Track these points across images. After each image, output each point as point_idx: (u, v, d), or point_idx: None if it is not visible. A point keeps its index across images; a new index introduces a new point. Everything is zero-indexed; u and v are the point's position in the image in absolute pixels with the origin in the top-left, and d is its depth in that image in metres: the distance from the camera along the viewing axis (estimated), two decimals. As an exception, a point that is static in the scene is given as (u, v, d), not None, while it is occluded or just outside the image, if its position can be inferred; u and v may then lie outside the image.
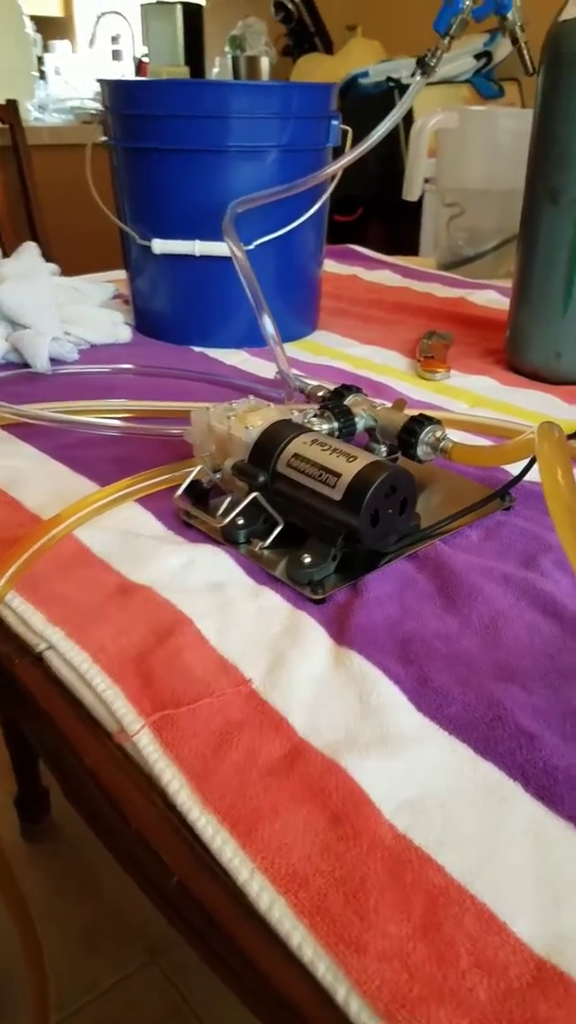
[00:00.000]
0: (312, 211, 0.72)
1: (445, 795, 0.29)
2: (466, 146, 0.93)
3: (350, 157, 0.65)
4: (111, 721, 0.32)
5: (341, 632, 0.37)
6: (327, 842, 0.27)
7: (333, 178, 0.70)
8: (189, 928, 0.29)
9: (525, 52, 0.65)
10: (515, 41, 0.65)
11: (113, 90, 0.70)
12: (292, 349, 0.75)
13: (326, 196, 0.73)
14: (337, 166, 0.66)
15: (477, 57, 1.78)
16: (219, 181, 0.68)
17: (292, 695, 0.33)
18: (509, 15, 0.63)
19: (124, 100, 0.69)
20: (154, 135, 0.67)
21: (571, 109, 0.59)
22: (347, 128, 0.73)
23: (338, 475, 0.40)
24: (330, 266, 1.04)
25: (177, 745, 0.31)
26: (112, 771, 0.31)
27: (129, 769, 0.31)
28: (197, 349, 0.74)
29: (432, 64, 0.64)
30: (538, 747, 0.30)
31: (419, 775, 0.29)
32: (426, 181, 1.14)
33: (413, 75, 0.64)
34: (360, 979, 0.23)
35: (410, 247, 1.56)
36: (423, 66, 0.64)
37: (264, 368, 0.69)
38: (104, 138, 0.72)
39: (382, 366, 0.70)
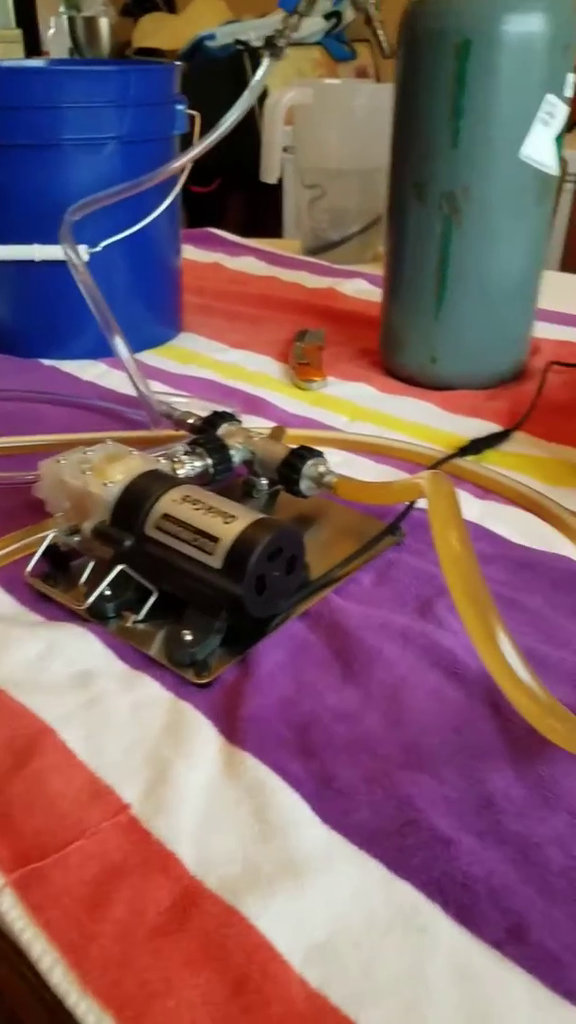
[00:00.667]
0: (165, 205, 0.66)
1: (359, 931, 0.26)
2: (323, 123, 0.89)
3: (199, 149, 0.59)
4: (-36, 887, 0.27)
5: (232, 727, 0.33)
6: (231, 1018, 0.23)
7: (184, 169, 0.64)
8: None
9: (380, 34, 0.61)
10: (369, 21, 0.60)
11: None
12: (156, 357, 0.70)
13: (178, 188, 0.67)
14: (185, 159, 0.60)
15: (327, 17, 1.72)
16: (55, 178, 0.60)
17: (179, 820, 0.29)
18: (361, -8, 0.59)
19: None
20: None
21: (433, 96, 0.55)
22: (194, 113, 0.67)
23: (216, 539, 0.36)
24: (190, 252, 0.98)
25: (47, 908, 0.26)
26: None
27: (-10, 947, 0.26)
28: (47, 363, 0.67)
29: (281, 45, 0.59)
30: (455, 855, 0.28)
31: (329, 909, 0.26)
32: (285, 150, 1.09)
33: (262, 55, 0.59)
34: None
35: (273, 221, 1.51)
36: (272, 48, 0.59)
37: (125, 383, 0.63)
38: None
39: (255, 374, 0.66)
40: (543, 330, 0.73)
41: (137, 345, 0.70)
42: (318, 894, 0.27)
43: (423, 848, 0.28)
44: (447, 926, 0.26)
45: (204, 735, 0.32)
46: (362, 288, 0.85)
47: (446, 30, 0.53)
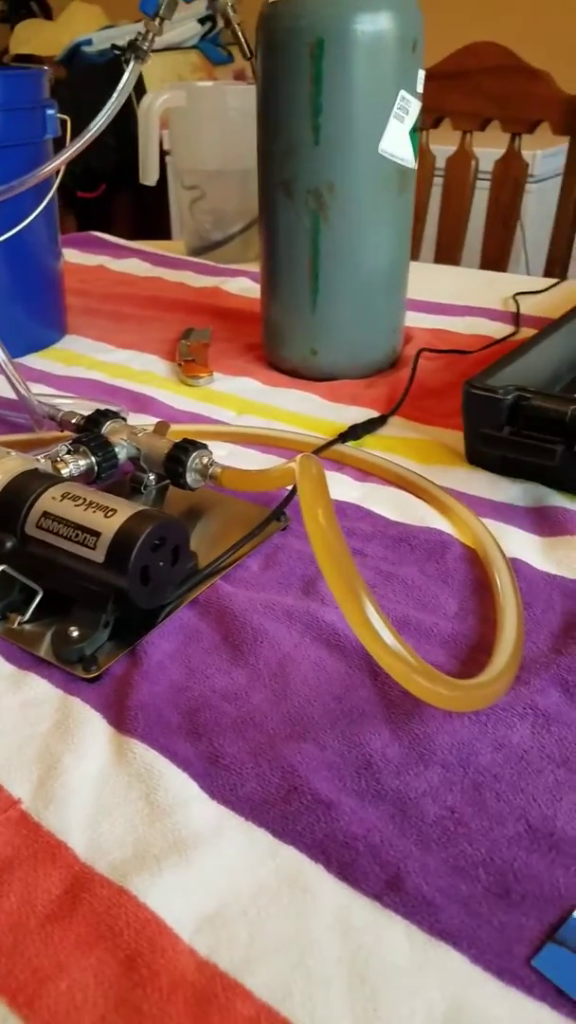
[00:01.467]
0: (41, 208, 0.65)
1: (247, 900, 0.27)
2: (198, 125, 0.90)
3: (70, 152, 0.59)
4: None
5: (120, 716, 0.33)
6: (122, 993, 0.24)
7: (58, 172, 0.64)
8: None
9: (240, 35, 0.62)
10: (228, 23, 0.62)
11: None
12: (40, 360, 0.69)
13: (53, 192, 0.67)
14: (59, 161, 0.60)
15: (202, 22, 1.73)
16: None
17: (69, 811, 0.29)
18: (219, -4, 0.60)
19: None
20: None
21: (290, 97, 0.57)
22: (65, 117, 0.67)
23: (97, 534, 0.36)
24: (74, 256, 0.97)
25: None
26: None
27: None
28: None
29: (145, 48, 0.60)
30: (336, 816, 0.29)
31: (218, 881, 0.27)
32: (165, 152, 1.09)
33: (126, 61, 0.59)
34: None
35: (161, 222, 1.51)
36: (136, 51, 0.59)
37: (7, 387, 0.63)
38: None
39: (142, 373, 0.66)
40: (416, 319, 0.76)
41: (20, 349, 0.70)
42: (207, 867, 0.28)
43: (306, 812, 0.29)
44: (330, 884, 0.27)
45: (93, 727, 0.33)
46: (246, 286, 0.86)
47: (300, 30, 0.55)
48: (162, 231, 1.15)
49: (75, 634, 0.36)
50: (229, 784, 0.30)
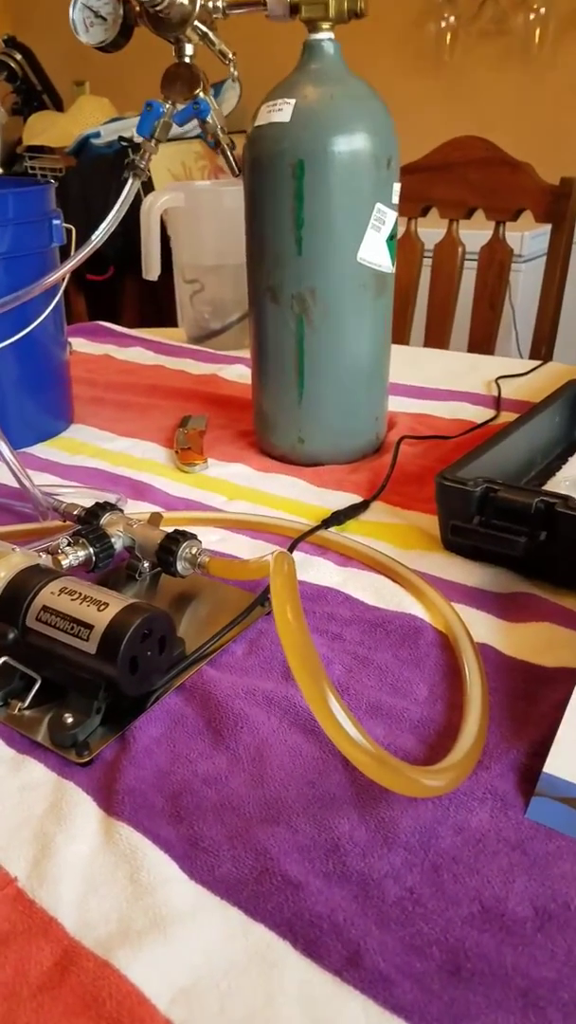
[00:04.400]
0: (47, 312, 0.70)
1: (219, 974, 0.29)
2: (196, 223, 0.96)
3: (74, 262, 0.64)
4: None
5: (110, 800, 0.36)
6: (104, 1063, 0.27)
7: (64, 278, 0.70)
8: None
9: (229, 155, 0.68)
10: (218, 143, 0.68)
11: None
12: (47, 449, 0.74)
13: (59, 296, 0.73)
14: (64, 270, 0.65)
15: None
16: None
17: (61, 888, 0.32)
18: (209, 119, 0.66)
19: None
20: None
21: (276, 210, 0.62)
22: (70, 227, 0.73)
23: (90, 627, 0.40)
24: (81, 346, 1.03)
25: None
26: None
27: None
28: None
29: (142, 167, 0.66)
30: (303, 897, 0.32)
31: (193, 957, 0.30)
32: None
33: (124, 178, 0.65)
34: None
35: (167, 305, 1.58)
36: (133, 169, 0.65)
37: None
38: None
39: (141, 460, 0.71)
40: (401, 404, 0.81)
41: (29, 439, 0.74)
42: (184, 943, 0.30)
43: (276, 893, 0.32)
44: (295, 960, 0.30)
45: (84, 810, 0.36)
46: (242, 372, 0.91)
47: (283, 152, 0.61)
48: (168, 313, 1.22)
49: (69, 720, 0.39)
50: (207, 865, 0.33)
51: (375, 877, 0.33)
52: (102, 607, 0.40)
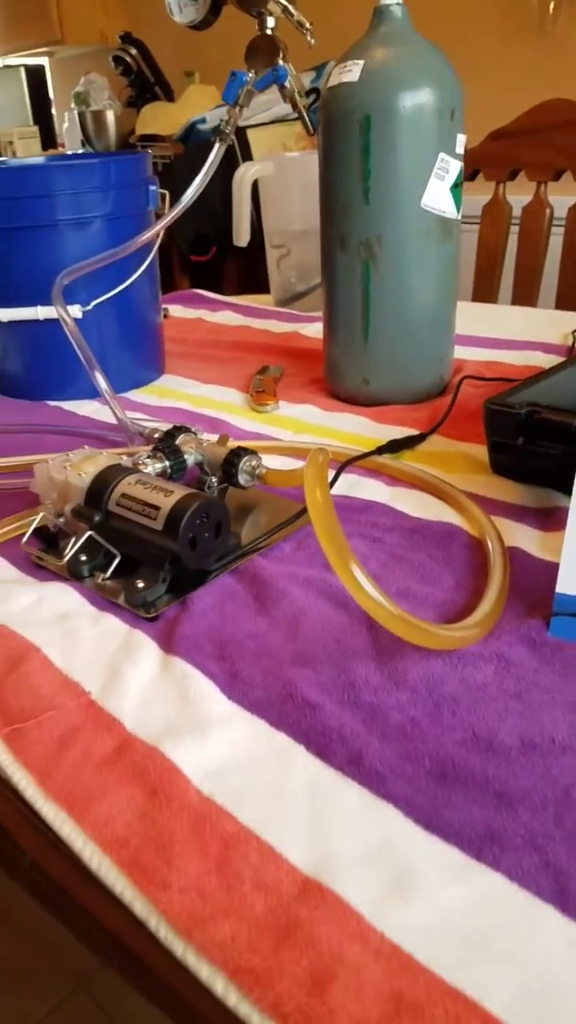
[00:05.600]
0: (142, 269, 0.79)
1: (244, 763, 0.36)
2: (285, 191, 1.03)
3: (166, 220, 0.72)
4: (-32, 741, 0.38)
5: (169, 643, 0.44)
6: (145, 810, 0.34)
7: (158, 237, 0.78)
8: (47, 900, 0.35)
9: (305, 115, 0.74)
10: (295, 106, 0.74)
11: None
12: (139, 395, 0.82)
13: (154, 253, 0.81)
14: (157, 228, 0.73)
15: (306, 94, 1.91)
16: (53, 252, 0.74)
17: (124, 700, 0.40)
18: (287, 84, 0.72)
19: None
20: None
21: (345, 163, 0.68)
22: (164, 192, 0.81)
23: (158, 508, 0.47)
24: (178, 311, 1.12)
25: (25, 751, 0.37)
26: (-30, 781, 0.37)
27: (-15, 777, 0.37)
28: (52, 403, 0.80)
29: (228, 131, 0.73)
30: (318, 714, 0.38)
31: (224, 749, 0.36)
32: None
33: (211, 141, 0.72)
34: (165, 909, 0.30)
35: (264, 277, 1.66)
36: (219, 134, 0.72)
37: (112, 416, 0.76)
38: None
39: (220, 403, 0.78)
40: (472, 353, 0.84)
41: (125, 385, 0.83)
42: (218, 741, 0.37)
43: (297, 711, 0.38)
44: (307, 759, 0.36)
45: (148, 650, 0.43)
46: (320, 329, 0.97)
47: (351, 109, 0.66)
48: (264, 288, 1.30)
49: (140, 585, 0.47)
50: (242, 691, 0.40)
51: (382, 707, 0.38)
52: (168, 494, 0.48)
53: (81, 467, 0.51)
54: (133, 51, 2.09)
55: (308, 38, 0.74)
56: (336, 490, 0.58)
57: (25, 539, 0.51)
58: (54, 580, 0.50)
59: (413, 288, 0.70)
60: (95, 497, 0.50)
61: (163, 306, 0.91)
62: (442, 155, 0.67)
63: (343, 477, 0.60)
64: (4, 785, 0.36)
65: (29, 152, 2.18)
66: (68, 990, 1.06)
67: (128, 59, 2.09)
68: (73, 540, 0.50)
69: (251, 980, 0.27)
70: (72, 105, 2.15)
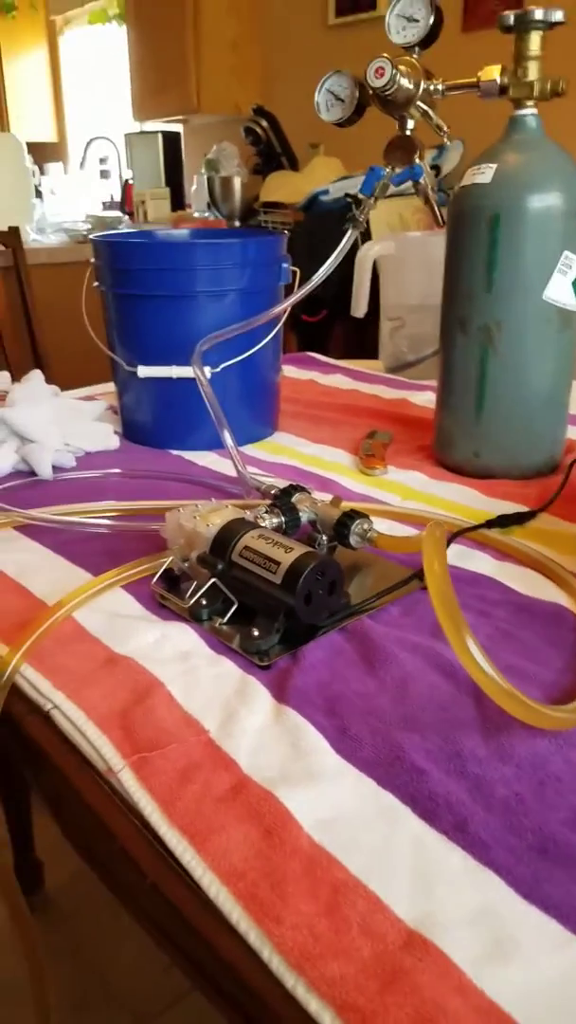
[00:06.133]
0: (269, 338, 0.84)
1: (353, 816, 0.38)
2: (404, 268, 1.08)
3: (296, 297, 0.77)
4: (101, 763, 0.41)
5: (281, 692, 0.46)
6: (260, 848, 0.36)
7: (286, 311, 0.83)
8: (156, 928, 0.38)
9: (436, 210, 0.79)
10: (427, 201, 0.78)
11: (103, 247, 0.83)
12: (254, 449, 0.87)
13: (280, 326, 0.86)
14: (287, 304, 0.79)
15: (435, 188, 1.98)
16: (190, 319, 0.80)
17: (240, 743, 0.42)
18: (421, 180, 0.77)
19: (112, 256, 0.82)
20: (137, 284, 0.81)
21: (472, 254, 0.72)
22: (295, 269, 0.86)
23: (278, 563, 0.50)
24: (291, 372, 1.17)
25: (150, 779, 0.40)
26: (102, 801, 0.40)
27: (114, 799, 0.40)
28: (175, 452, 0.86)
29: (360, 219, 0.78)
30: (426, 780, 0.40)
31: (334, 801, 0.39)
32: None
33: (344, 229, 0.78)
34: (278, 943, 0.32)
35: (371, 343, 1.72)
36: (353, 222, 0.77)
37: (229, 467, 0.80)
38: (96, 283, 0.85)
39: (330, 463, 0.82)
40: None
41: (241, 439, 0.88)
42: (328, 792, 0.39)
43: (404, 774, 0.40)
44: (413, 821, 0.38)
45: (261, 696, 0.46)
46: (430, 398, 1.00)
47: (482, 207, 0.70)
48: (370, 353, 1.35)
49: (256, 633, 0.50)
50: (351, 748, 0.42)
51: (488, 780, 0.40)
52: (288, 550, 0.51)
53: (208, 518, 0.55)
54: (264, 123, 2.22)
55: (445, 140, 0.79)
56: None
57: (154, 580, 0.56)
58: (175, 620, 0.54)
59: (530, 372, 0.73)
60: (220, 547, 0.54)
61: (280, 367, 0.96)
62: (567, 252, 0.70)
63: (452, 547, 0.62)
64: (130, 811, 0.39)
65: (159, 212, 2.34)
66: (125, 1028, 1.07)
67: (258, 130, 2.23)
68: (195, 585, 0.54)
69: (358, 1018, 0.29)
70: (202, 170, 2.30)
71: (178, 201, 2.53)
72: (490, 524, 0.66)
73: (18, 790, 1.21)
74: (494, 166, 0.70)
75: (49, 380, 0.91)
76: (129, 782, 0.40)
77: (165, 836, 0.37)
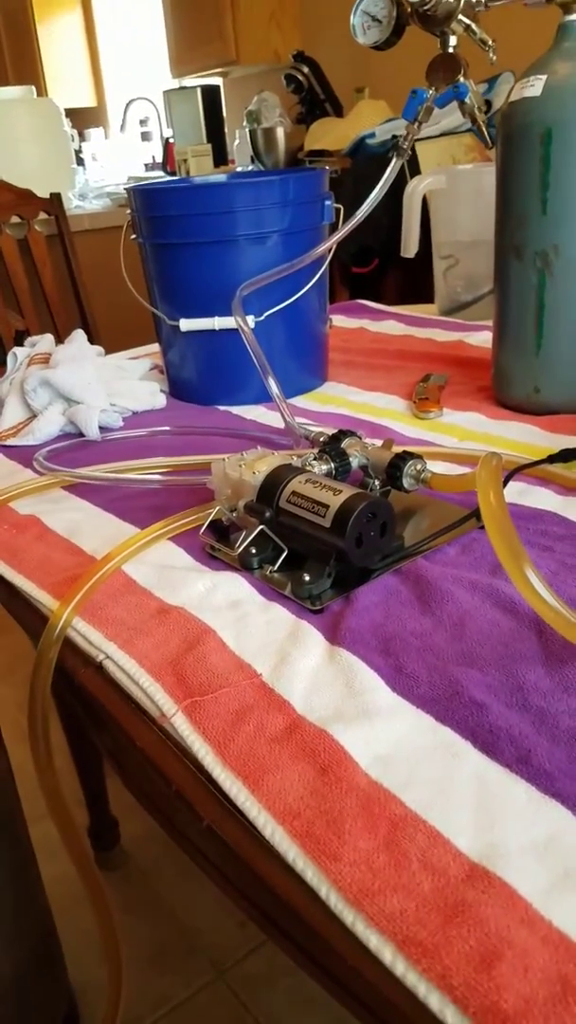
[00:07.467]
0: (313, 281, 0.82)
1: (410, 752, 0.37)
2: (456, 203, 1.03)
3: (340, 234, 0.75)
4: (154, 709, 0.41)
5: (335, 634, 0.45)
6: (315, 787, 0.35)
7: (330, 251, 0.80)
8: (213, 868, 0.38)
9: (484, 130, 0.74)
10: (474, 121, 0.74)
11: (138, 196, 0.81)
12: (303, 401, 0.85)
13: (325, 267, 0.84)
14: (331, 242, 0.76)
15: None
16: (232, 266, 0.78)
17: (293, 684, 0.42)
18: (467, 100, 0.73)
19: (147, 204, 0.80)
20: (174, 232, 0.79)
21: (523, 176, 0.68)
22: (339, 206, 0.83)
23: (327, 506, 0.49)
24: (341, 321, 1.14)
25: (203, 723, 0.39)
26: (157, 746, 0.40)
27: (169, 744, 0.40)
28: (222, 408, 0.85)
29: (405, 147, 0.74)
30: (486, 714, 0.38)
31: (390, 738, 0.38)
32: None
33: (389, 157, 0.74)
34: (336, 879, 0.31)
35: (426, 291, 1.66)
36: (397, 150, 0.74)
37: (278, 420, 0.79)
38: (133, 236, 0.84)
39: (383, 409, 0.79)
40: None
41: (290, 392, 0.86)
42: (384, 730, 0.38)
43: (463, 708, 0.39)
44: (474, 754, 0.36)
45: (314, 639, 0.45)
46: (486, 338, 0.96)
47: (532, 123, 0.66)
48: (426, 296, 1.30)
49: (307, 579, 0.49)
50: (407, 686, 0.41)
51: (551, 712, 0.38)
52: (337, 493, 0.50)
53: (254, 466, 0.54)
54: (305, 69, 2.16)
55: (490, 55, 0.74)
56: (505, 497, 0.58)
57: (202, 531, 0.55)
58: (226, 570, 0.53)
59: (589, 297, 0.68)
60: (267, 494, 0.52)
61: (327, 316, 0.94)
62: (624, 164, 0.66)
63: (512, 484, 0.59)
64: (184, 755, 0.39)
65: (201, 169, 2.30)
66: (207, 979, 1.10)
67: (300, 77, 2.17)
68: (244, 533, 0.53)
69: (419, 952, 0.28)
70: (244, 123, 2.26)
71: (221, 157, 2.50)
72: (552, 459, 0.63)
73: (92, 751, 1.24)
74: (544, 77, 0.66)
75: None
76: (182, 726, 0.39)
77: (219, 778, 0.37)
